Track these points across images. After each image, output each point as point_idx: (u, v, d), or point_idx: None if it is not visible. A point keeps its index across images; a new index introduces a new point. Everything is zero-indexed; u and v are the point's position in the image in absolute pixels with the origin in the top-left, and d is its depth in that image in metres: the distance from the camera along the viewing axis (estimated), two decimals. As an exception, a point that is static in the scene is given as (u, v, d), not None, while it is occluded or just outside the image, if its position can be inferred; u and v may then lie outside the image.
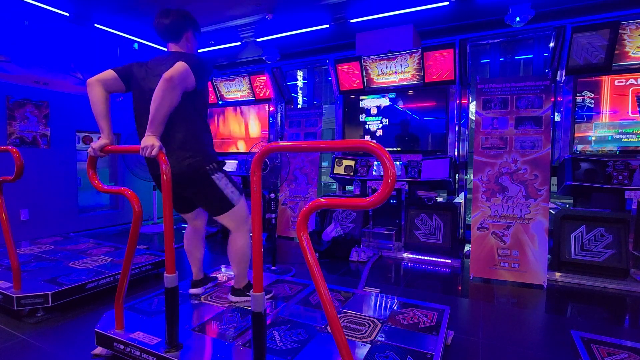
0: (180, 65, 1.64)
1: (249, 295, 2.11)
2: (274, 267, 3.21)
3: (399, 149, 4.17)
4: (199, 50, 5.76)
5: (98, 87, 1.75)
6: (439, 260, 3.54)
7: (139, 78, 1.86)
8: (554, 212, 3.16)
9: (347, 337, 1.61)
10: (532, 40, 4.57)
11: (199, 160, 1.87)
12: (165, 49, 2.03)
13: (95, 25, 4.78)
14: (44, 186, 4.29)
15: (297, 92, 6.45)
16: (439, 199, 3.84)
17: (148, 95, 1.78)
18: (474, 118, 3.39)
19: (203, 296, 2.26)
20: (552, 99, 3.18)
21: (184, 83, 1.68)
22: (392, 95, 4.22)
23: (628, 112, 3.14)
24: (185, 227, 2.32)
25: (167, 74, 1.59)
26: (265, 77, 4.90)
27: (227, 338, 1.74)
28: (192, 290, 2.30)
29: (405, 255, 3.71)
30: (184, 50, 1.98)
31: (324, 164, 6.13)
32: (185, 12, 1.96)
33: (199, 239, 2.30)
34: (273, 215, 3.20)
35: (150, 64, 1.89)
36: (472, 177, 3.34)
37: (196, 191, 1.96)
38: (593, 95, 3.27)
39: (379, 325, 1.91)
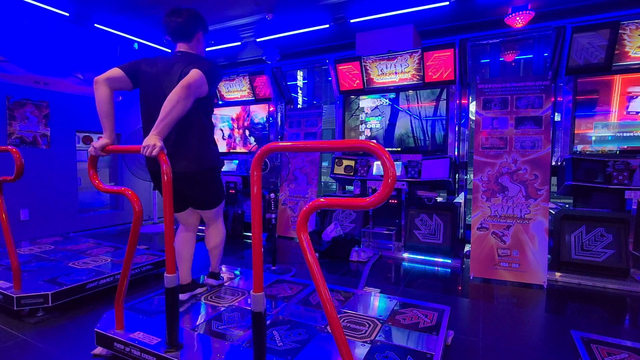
0: (196, 74, 1.69)
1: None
2: (274, 267, 3.21)
3: (399, 149, 4.17)
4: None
5: (104, 86, 1.75)
6: (439, 260, 3.54)
7: (149, 76, 1.87)
8: (554, 212, 3.16)
9: (347, 337, 1.61)
10: (532, 40, 4.57)
11: (211, 160, 1.98)
12: (164, 49, 2.04)
13: (95, 25, 4.78)
14: (44, 186, 4.29)
15: (297, 92, 6.44)
16: (439, 199, 3.84)
17: (159, 94, 1.79)
18: (474, 118, 3.39)
19: (204, 296, 2.26)
20: (552, 99, 3.18)
21: (199, 91, 1.73)
22: (392, 95, 4.22)
23: (628, 112, 3.14)
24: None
25: (184, 82, 1.63)
26: (265, 77, 4.90)
27: (227, 338, 1.75)
28: (181, 296, 2.13)
29: (405, 255, 3.70)
30: (194, 51, 2.00)
31: (324, 164, 6.13)
32: (197, 12, 1.98)
33: (191, 240, 2.28)
34: (273, 215, 3.20)
35: (161, 62, 1.89)
36: (472, 177, 3.34)
37: (203, 188, 2.04)
38: (593, 95, 3.27)
39: (379, 325, 1.91)
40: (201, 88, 1.73)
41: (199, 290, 2.32)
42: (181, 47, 1.97)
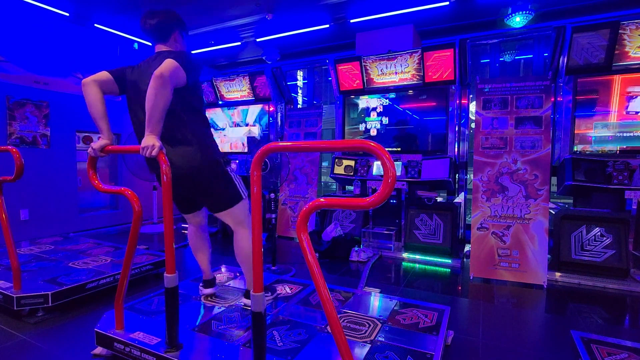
0: (169, 62, 1.63)
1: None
2: (274, 267, 3.21)
3: (399, 149, 4.17)
4: (200, 50, 5.77)
5: (94, 87, 1.73)
6: (439, 260, 3.54)
7: (132, 81, 1.86)
8: (554, 212, 3.16)
9: (347, 337, 1.61)
10: (532, 40, 4.57)
11: (211, 153, 1.90)
12: None
13: (95, 25, 4.78)
14: (44, 186, 4.29)
15: (297, 92, 6.44)
16: (439, 199, 3.84)
17: (142, 97, 1.78)
18: (474, 118, 3.39)
19: (202, 296, 2.26)
20: (552, 99, 3.18)
21: (175, 79, 1.65)
22: (392, 95, 4.22)
23: (628, 112, 3.14)
24: (186, 227, 2.31)
25: (157, 71, 1.57)
26: (265, 77, 4.90)
27: (227, 338, 1.75)
28: (206, 291, 2.25)
29: (405, 255, 3.70)
30: (172, 49, 1.96)
31: (324, 164, 6.13)
32: (172, 12, 1.93)
33: (203, 237, 2.25)
34: (273, 215, 3.19)
35: (141, 66, 1.89)
36: (472, 177, 3.34)
37: (209, 184, 1.92)
38: (593, 95, 3.27)
39: (379, 325, 1.91)
40: (178, 76, 1.66)
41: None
42: (159, 48, 1.94)
